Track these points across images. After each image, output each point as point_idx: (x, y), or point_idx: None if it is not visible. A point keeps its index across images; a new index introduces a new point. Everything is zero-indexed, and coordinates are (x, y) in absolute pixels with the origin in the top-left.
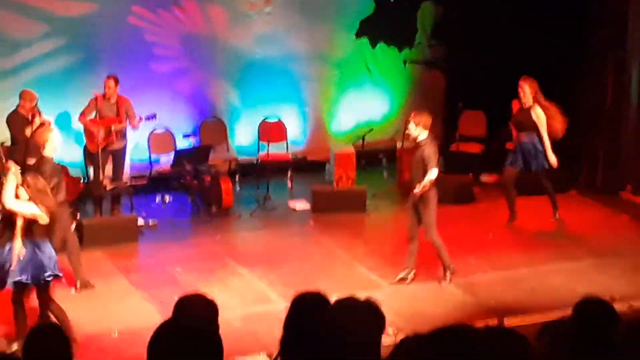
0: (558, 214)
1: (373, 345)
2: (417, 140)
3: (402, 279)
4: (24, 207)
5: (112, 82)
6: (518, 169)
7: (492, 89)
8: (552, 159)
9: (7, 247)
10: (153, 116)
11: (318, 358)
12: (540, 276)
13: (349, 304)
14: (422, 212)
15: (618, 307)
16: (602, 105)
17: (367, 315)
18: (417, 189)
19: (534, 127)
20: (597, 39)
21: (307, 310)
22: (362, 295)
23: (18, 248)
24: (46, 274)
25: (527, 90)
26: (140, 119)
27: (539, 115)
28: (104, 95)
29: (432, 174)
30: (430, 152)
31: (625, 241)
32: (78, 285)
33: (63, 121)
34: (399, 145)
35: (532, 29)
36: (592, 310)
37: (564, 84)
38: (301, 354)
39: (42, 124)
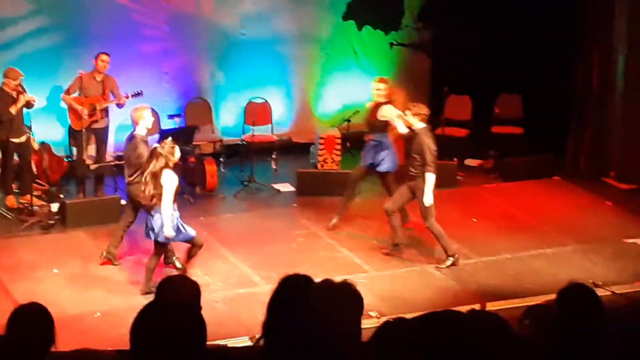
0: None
1: (353, 326)
2: (414, 128)
3: (396, 245)
4: None
5: (107, 57)
6: (365, 169)
7: (478, 73)
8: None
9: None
10: (139, 93)
11: (299, 340)
12: (523, 261)
13: (325, 286)
14: (420, 200)
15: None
16: (587, 91)
17: (345, 296)
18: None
19: (383, 127)
20: (584, 25)
21: (291, 293)
22: (345, 278)
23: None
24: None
25: (382, 88)
26: (127, 96)
27: (385, 115)
28: (91, 73)
29: (431, 179)
30: (428, 141)
31: (609, 227)
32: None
33: (46, 99)
34: None
35: (520, 14)
36: (575, 296)
37: (550, 69)
38: (284, 337)
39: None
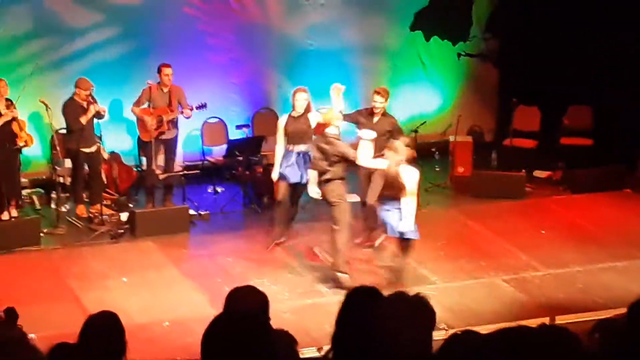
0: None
1: (424, 341)
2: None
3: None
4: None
5: (169, 70)
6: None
7: (547, 84)
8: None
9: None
10: (204, 105)
11: (369, 353)
12: (593, 274)
13: (399, 299)
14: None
15: None
16: None
17: (417, 310)
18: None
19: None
20: None
21: (360, 306)
22: (412, 290)
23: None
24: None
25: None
26: (192, 108)
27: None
28: (158, 84)
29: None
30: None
31: None
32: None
33: (116, 109)
34: (451, 139)
35: (590, 26)
36: None
37: (620, 80)
38: (353, 349)
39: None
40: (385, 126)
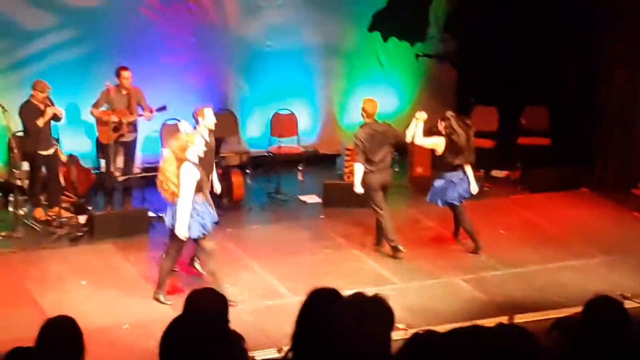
0: None
1: (383, 340)
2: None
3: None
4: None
5: (128, 73)
6: None
7: (505, 83)
8: None
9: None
10: (164, 107)
11: (328, 353)
12: (551, 273)
13: (357, 299)
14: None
15: (629, 305)
16: (614, 102)
17: (376, 310)
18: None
19: None
20: (610, 36)
21: (320, 306)
22: (372, 290)
23: None
24: None
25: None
26: (151, 110)
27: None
28: (117, 87)
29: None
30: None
31: (636, 239)
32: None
33: (74, 112)
34: (408, 139)
35: (545, 24)
36: (602, 308)
37: (576, 80)
38: (312, 349)
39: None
40: None
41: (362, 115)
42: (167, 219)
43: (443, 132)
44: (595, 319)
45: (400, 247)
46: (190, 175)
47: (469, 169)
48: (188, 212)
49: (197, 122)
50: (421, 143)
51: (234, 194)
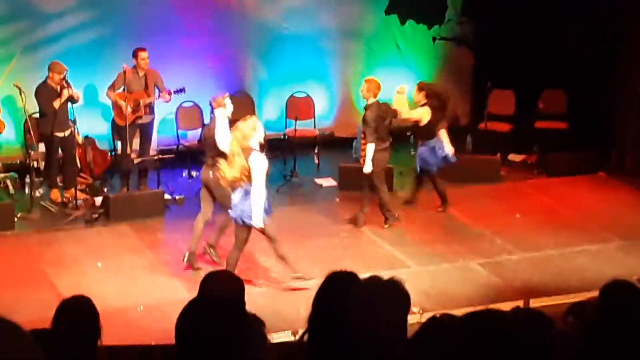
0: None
1: (399, 324)
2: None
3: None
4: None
5: (145, 54)
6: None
7: (522, 67)
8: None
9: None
10: (182, 90)
11: (344, 337)
12: (567, 258)
13: (373, 283)
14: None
15: None
16: (633, 86)
17: (392, 293)
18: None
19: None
20: (632, 21)
21: (337, 289)
22: (387, 274)
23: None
24: None
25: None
26: (170, 92)
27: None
28: (133, 68)
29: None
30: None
31: None
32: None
33: (91, 94)
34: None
35: (565, 9)
36: (618, 293)
37: (596, 66)
38: (329, 333)
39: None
40: None
41: (368, 95)
42: (235, 212)
43: (423, 101)
44: (610, 304)
45: (397, 215)
46: (262, 164)
47: (443, 133)
48: (262, 201)
49: (212, 109)
50: (408, 116)
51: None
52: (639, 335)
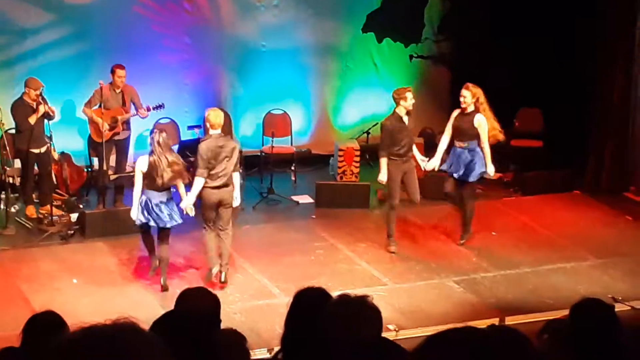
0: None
1: (371, 341)
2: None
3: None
4: None
5: (123, 72)
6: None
7: (498, 85)
8: (491, 168)
9: None
10: (161, 105)
11: (317, 354)
12: (542, 275)
13: (342, 302)
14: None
15: (620, 308)
16: (608, 105)
17: (362, 311)
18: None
19: (474, 135)
20: (606, 39)
21: (308, 307)
22: (363, 291)
23: None
24: None
25: (467, 96)
26: (148, 108)
27: (481, 122)
28: (110, 85)
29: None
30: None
31: (628, 242)
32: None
33: (67, 110)
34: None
35: (541, 27)
36: (589, 312)
37: (571, 82)
38: (303, 350)
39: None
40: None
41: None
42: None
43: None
44: (581, 323)
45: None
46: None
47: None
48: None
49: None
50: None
51: None
52: (610, 352)
